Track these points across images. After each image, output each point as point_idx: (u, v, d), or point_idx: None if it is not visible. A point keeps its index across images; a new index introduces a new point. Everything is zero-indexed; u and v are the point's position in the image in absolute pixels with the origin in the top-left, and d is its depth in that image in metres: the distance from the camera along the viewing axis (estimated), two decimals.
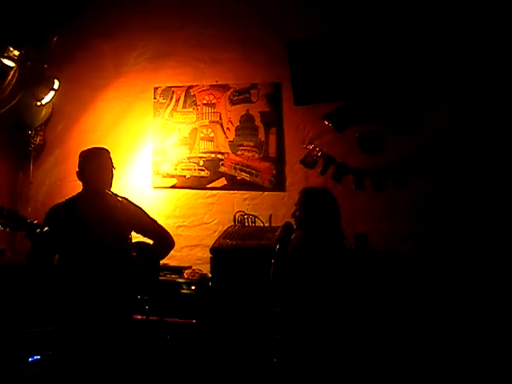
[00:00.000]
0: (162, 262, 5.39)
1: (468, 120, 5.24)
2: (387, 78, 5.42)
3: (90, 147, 4.06)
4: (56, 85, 5.93)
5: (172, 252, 4.38)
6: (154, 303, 3.78)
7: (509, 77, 5.11)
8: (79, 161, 3.98)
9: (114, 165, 4.03)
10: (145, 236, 4.25)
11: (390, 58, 5.40)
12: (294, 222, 4.00)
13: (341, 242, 3.97)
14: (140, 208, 4.23)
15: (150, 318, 3.73)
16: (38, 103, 5.97)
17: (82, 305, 3.79)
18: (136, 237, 4.18)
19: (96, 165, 3.92)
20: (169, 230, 4.34)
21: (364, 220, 5.43)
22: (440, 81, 5.30)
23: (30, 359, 4.94)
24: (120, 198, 3.97)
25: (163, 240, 4.27)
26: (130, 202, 4.18)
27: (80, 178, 3.99)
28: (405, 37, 5.35)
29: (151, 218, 4.27)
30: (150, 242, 4.26)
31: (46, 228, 3.62)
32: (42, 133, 6.35)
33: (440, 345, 4.71)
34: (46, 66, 6.07)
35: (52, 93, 5.92)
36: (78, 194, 4.03)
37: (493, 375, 4.55)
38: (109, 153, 4.04)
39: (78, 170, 3.98)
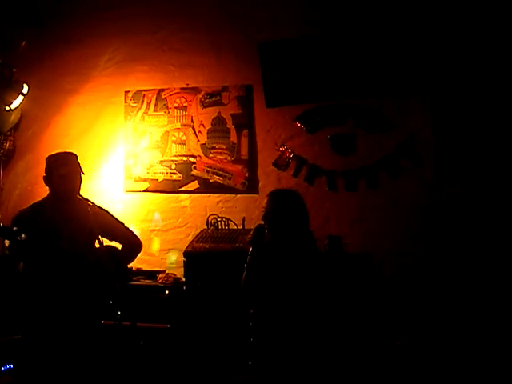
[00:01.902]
0: (135, 266, 5.47)
1: (443, 120, 5.26)
2: (359, 79, 5.43)
3: (57, 152, 4.02)
4: (25, 89, 5.86)
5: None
6: (126, 308, 3.74)
7: (484, 76, 5.14)
8: (46, 166, 3.95)
9: (82, 169, 3.99)
10: (112, 240, 4.21)
11: (361, 60, 5.42)
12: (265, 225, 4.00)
13: (311, 243, 3.97)
14: (108, 212, 4.20)
15: (123, 323, 3.69)
16: (7, 108, 5.89)
17: (49, 312, 3.75)
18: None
19: (65, 170, 3.88)
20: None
21: (337, 221, 5.45)
22: (414, 81, 5.32)
23: (2, 368, 4.87)
24: (90, 203, 3.91)
25: (131, 243, 4.24)
26: (97, 206, 4.12)
27: (47, 184, 3.95)
28: (376, 38, 5.38)
29: (119, 222, 4.24)
30: (118, 245, 4.23)
31: (24, 235, 3.58)
32: (11, 138, 6.28)
33: (415, 345, 4.71)
34: (14, 70, 6.01)
35: (21, 97, 5.85)
36: (45, 200, 3.99)
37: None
38: (77, 157, 4.00)
39: (45, 175, 3.95)
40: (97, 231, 3.89)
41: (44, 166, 4.01)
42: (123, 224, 4.25)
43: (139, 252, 4.30)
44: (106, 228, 4.06)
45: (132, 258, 4.30)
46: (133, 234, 4.27)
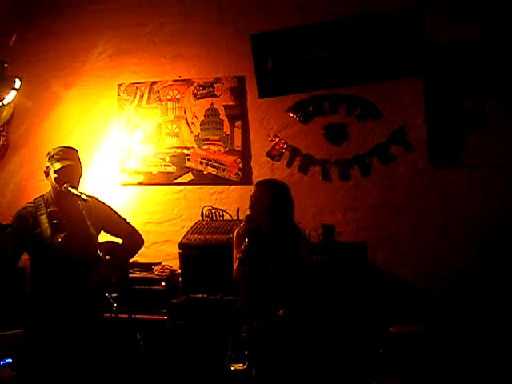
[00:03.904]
0: (131, 259, 5.48)
1: (435, 106, 5.29)
2: (351, 68, 5.45)
3: (58, 146, 3.99)
4: (17, 84, 5.84)
5: (141, 249, 4.36)
6: (123, 301, 3.76)
7: (474, 62, 5.19)
8: (47, 159, 3.91)
9: (81, 164, 3.99)
10: (113, 235, 4.21)
11: (353, 48, 5.44)
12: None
13: (296, 233, 3.97)
14: (109, 206, 4.18)
15: (119, 316, 3.71)
16: (0, 103, 5.89)
17: (53, 307, 3.78)
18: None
19: (65, 165, 3.84)
20: (137, 227, 4.30)
21: (331, 210, 5.49)
22: (406, 67, 5.34)
23: (1, 362, 4.89)
24: (86, 197, 3.92)
25: (132, 239, 4.22)
26: (99, 200, 4.12)
27: (48, 178, 3.94)
28: (365, 25, 5.40)
29: (121, 217, 4.22)
30: (119, 240, 4.24)
31: (9, 229, 3.60)
32: (4, 133, 6.29)
33: (411, 336, 4.75)
34: (6, 65, 5.99)
35: (14, 92, 5.83)
36: (47, 194, 3.98)
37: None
38: (77, 152, 3.99)
39: (45, 169, 3.93)
40: (95, 226, 3.90)
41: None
42: (125, 219, 4.23)
43: (140, 248, 4.28)
44: (104, 222, 4.06)
45: (133, 253, 4.29)
46: (134, 229, 4.24)
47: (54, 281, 3.77)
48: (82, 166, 3.98)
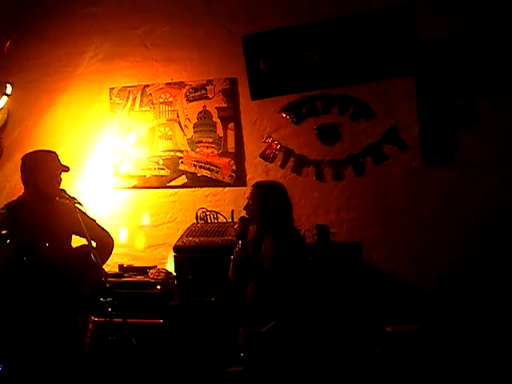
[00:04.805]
0: (126, 263, 5.50)
1: (428, 105, 5.28)
2: (343, 68, 5.45)
3: (35, 150, 3.99)
4: (9, 90, 5.85)
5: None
6: (117, 305, 3.75)
7: (467, 60, 5.19)
8: (27, 164, 3.89)
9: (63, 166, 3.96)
10: (85, 238, 4.02)
11: (344, 48, 5.43)
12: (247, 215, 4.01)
13: (295, 234, 3.97)
14: (80, 209, 4.01)
15: (114, 320, 3.71)
16: None
17: (27, 311, 3.75)
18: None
19: (49, 168, 3.85)
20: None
21: (325, 211, 5.49)
22: (399, 66, 5.33)
23: None
24: (64, 201, 3.87)
25: (104, 241, 4.19)
26: (75, 202, 3.96)
27: (27, 182, 3.89)
28: (356, 25, 5.40)
29: (91, 219, 4.16)
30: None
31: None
32: None
33: (407, 335, 4.74)
34: None
35: (5, 98, 5.84)
36: (21, 200, 3.92)
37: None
38: (57, 155, 3.97)
39: (25, 174, 3.89)
40: (69, 230, 3.88)
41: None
42: (95, 221, 4.19)
43: (112, 248, 4.25)
44: (79, 225, 3.88)
45: (107, 255, 4.22)
46: (103, 230, 4.21)
47: (29, 286, 3.71)
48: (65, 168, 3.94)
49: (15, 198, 3.98)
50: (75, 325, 3.99)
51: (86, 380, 3.98)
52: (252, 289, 3.89)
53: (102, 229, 4.21)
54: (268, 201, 3.90)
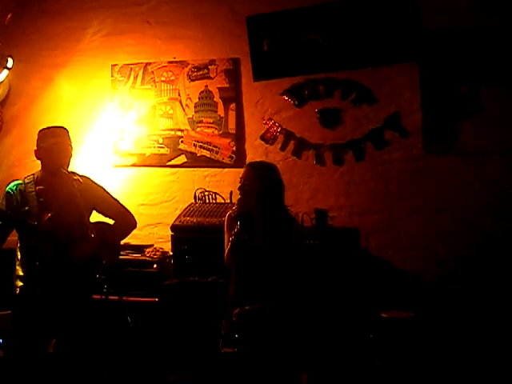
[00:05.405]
0: (123, 241, 5.46)
1: (431, 91, 5.25)
2: (347, 52, 5.41)
3: (48, 126, 4.03)
4: (10, 63, 5.80)
5: (133, 231, 4.34)
6: (114, 283, 3.75)
7: (471, 48, 5.15)
8: (37, 138, 3.96)
9: (71, 144, 4.00)
10: (106, 216, 4.22)
11: (349, 33, 5.39)
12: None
13: (286, 216, 3.94)
14: (102, 187, 4.20)
15: (110, 297, 3.71)
16: None
17: (40, 287, 3.77)
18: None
19: (52, 142, 3.88)
20: (130, 209, 4.30)
21: (324, 195, 5.47)
22: (403, 51, 5.29)
23: None
24: (76, 177, 3.90)
25: (124, 220, 4.22)
26: (92, 181, 4.15)
27: (37, 157, 3.97)
28: (362, 9, 5.35)
29: (114, 198, 4.23)
30: (111, 221, 4.23)
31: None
32: None
33: (403, 322, 4.74)
34: None
35: (6, 71, 5.79)
36: (36, 173, 4.01)
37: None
38: (67, 131, 4.00)
39: (35, 148, 3.97)
40: (84, 206, 3.89)
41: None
42: (118, 200, 4.23)
43: (132, 229, 4.29)
44: (96, 203, 4.08)
45: (125, 235, 4.30)
46: (127, 211, 4.24)
47: (40, 260, 3.76)
48: (72, 145, 4.01)
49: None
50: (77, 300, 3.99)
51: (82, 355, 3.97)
52: (248, 269, 3.87)
53: (123, 207, 4.24)
54: (264, 177, 3.86)
